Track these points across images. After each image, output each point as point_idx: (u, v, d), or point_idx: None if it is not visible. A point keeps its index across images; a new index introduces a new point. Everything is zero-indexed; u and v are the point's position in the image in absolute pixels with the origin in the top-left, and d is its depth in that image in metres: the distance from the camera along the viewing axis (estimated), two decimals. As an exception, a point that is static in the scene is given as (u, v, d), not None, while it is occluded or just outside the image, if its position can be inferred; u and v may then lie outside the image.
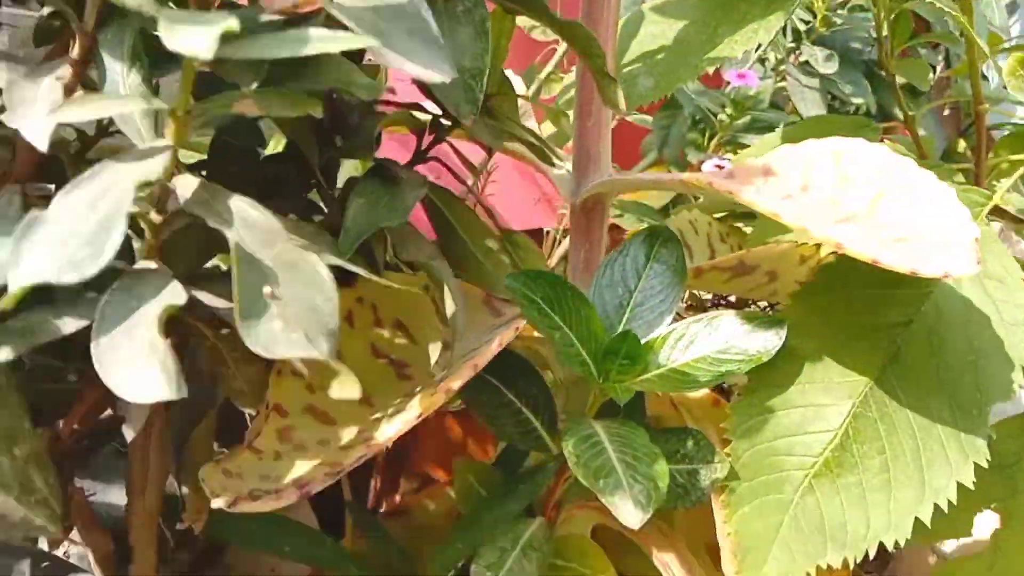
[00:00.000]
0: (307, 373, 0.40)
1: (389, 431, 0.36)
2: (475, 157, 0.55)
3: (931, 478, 0.42)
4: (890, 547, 0.42)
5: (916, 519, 0.42)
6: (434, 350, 0.44)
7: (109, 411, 0.43)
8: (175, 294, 0.28)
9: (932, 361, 0.45)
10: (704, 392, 0.50)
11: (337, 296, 0.26)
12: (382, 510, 0.64)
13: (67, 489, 0.42)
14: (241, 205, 0.28)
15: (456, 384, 0.37)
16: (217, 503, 0.35)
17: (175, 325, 0.40)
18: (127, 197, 0.23)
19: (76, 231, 0.23)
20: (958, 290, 0.46)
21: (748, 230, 0.67)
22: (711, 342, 0.44)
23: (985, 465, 0.42)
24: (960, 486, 0.43)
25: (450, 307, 0.37)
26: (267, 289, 0.25)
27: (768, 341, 0.44)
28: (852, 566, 0.41)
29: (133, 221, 0.33)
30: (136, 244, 0.34)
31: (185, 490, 0.43)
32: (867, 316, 0.46)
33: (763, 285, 0.51)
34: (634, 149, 0.94)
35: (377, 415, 0.39)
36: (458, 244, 0.45)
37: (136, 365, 0.25)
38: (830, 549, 0.41)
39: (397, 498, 0.65)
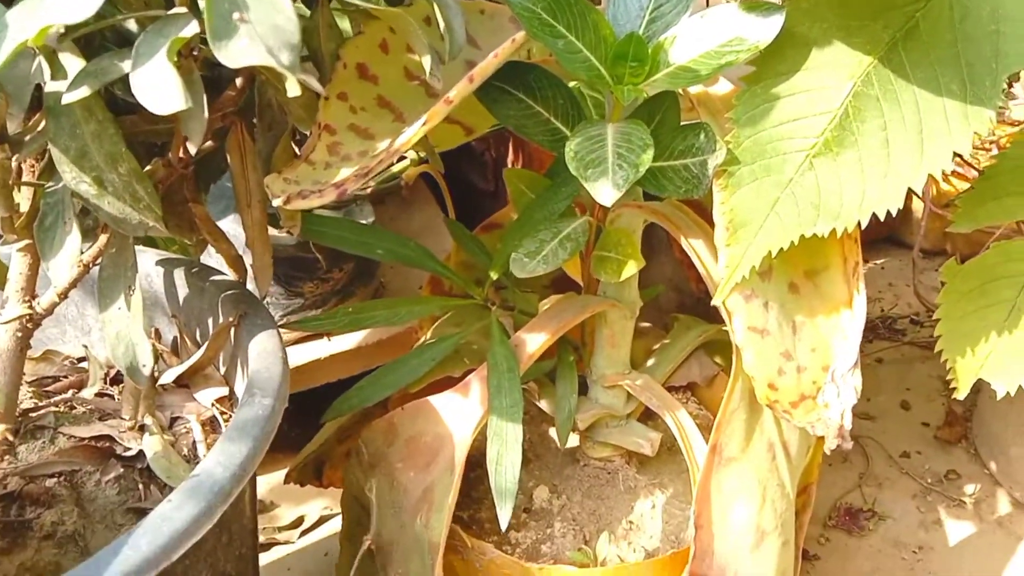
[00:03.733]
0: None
1: (403, 138, 0.43)
2: None
3: (930, 149, 0.44)
4: (882, 216, 0.44)
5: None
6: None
7: (211, 143, 0.53)
8: (191, 29, 0.35)
9: (949, 34, 0.44)
10: (729, 88, 0.52)
11: (296, 18, 0.32)
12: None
13: (188, 208, 0.53)
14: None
15: (454, 95, 0.42)
16: (276, 202, 0.44)
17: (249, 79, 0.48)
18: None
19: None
20: (989, -43, 0.44)
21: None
22: (715, 37, 0.46)
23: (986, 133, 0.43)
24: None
25: (443, 24, 0.42)
26: (236, 15, 0.31)
27: (767, 29, 0.45)
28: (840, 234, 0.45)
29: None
30: None
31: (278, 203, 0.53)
32: (883, -6, 0.45)
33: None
34: None
35: (404, 129, 0.46)
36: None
37: (158, 88, 0.33)
38: (821, 220, 0.45)
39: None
